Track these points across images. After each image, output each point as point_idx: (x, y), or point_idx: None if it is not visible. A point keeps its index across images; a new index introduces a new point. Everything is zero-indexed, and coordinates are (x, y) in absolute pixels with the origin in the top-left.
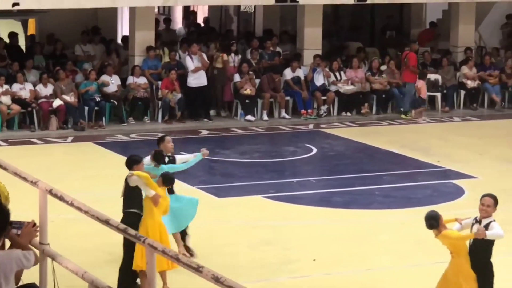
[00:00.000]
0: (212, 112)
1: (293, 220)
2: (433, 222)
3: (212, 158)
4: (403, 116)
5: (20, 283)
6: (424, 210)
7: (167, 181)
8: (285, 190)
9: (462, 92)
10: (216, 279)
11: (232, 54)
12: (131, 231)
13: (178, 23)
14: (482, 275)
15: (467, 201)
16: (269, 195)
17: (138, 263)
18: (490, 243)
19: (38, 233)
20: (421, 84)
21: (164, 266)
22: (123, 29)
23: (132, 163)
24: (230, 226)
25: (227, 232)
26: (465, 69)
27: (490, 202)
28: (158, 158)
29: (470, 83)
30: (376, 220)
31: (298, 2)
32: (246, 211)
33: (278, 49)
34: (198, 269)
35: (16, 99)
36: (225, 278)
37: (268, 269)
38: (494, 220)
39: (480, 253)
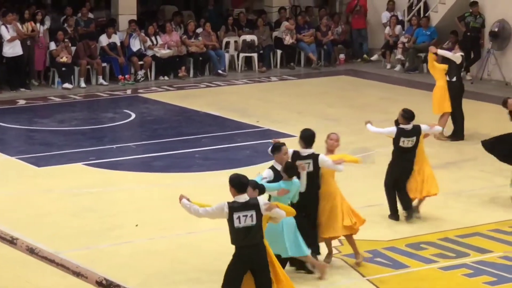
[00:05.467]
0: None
1: (114, 186)
2: None
3: (30, 127)
4: (365, 57)
5: None
6: (244, 170)
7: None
8: (106, 156)
9: (279, 52)
10: (31, 251)
11: (38, 24)
12: None
13: None
14: None
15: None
16: (90, 162)
17: None
18: None
19: None
20: None
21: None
22: None
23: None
24: (52, 195)
25: (49, 201)
26: (285, 23)
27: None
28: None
29: (288, 39)
30: (197, 183)
31: None
32: (67, 179)
33: (90, 15)
34: (12, 241)
35: None
36: (39, 249)
37: (91, 236)
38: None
39: None
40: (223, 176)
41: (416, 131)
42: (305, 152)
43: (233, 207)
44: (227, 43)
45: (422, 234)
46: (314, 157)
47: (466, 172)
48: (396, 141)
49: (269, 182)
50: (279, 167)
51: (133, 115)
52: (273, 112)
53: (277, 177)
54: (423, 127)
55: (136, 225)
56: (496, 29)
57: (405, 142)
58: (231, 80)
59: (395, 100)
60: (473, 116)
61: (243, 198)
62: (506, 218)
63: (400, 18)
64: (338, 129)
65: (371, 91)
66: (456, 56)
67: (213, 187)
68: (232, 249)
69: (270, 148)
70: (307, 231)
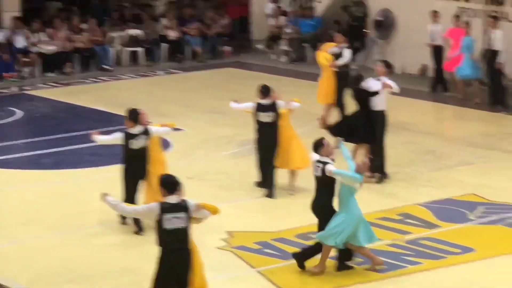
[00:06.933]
0: None
1: (3, 185)
2: None
3: None
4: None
5: None
6: None
7: None
8: None
9: (164, 46)
10: None
11: None
12: None
13: None
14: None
15: (175, 153)
16: None
17: None
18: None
19: None
20: None
21: None
22: None
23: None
24: None
25: None
26: (164, 21)
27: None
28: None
29: (172, 34)
30: (85, 179)
31: None
32: None
33: None
34: None
35: None
36: None
37: None
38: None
39: None
40: (111, 172)
41: (273, 107)
42: (136, 130)
43: (164, 208)
44: (113, 38)
45: (311, 224)
46: (145, 131)
47: None
48: (254, 116)
49: None
50: (326, 160)
51: (19, 113)
52: (160, 106)
53: None
54: (280, 102)
55: (23, 224)
56: (379, 18)
57: (263, 117)
58: (117, 75)
59: (282, 91)
60: None
61: (174, 199)
62: (393, 206)
63: (284, 8)
64: (225, 122)
65: (257, 82)
66: (346, 56)
67: (102, 182)
68: (122, 244)
69: (313, 147)
70: None
